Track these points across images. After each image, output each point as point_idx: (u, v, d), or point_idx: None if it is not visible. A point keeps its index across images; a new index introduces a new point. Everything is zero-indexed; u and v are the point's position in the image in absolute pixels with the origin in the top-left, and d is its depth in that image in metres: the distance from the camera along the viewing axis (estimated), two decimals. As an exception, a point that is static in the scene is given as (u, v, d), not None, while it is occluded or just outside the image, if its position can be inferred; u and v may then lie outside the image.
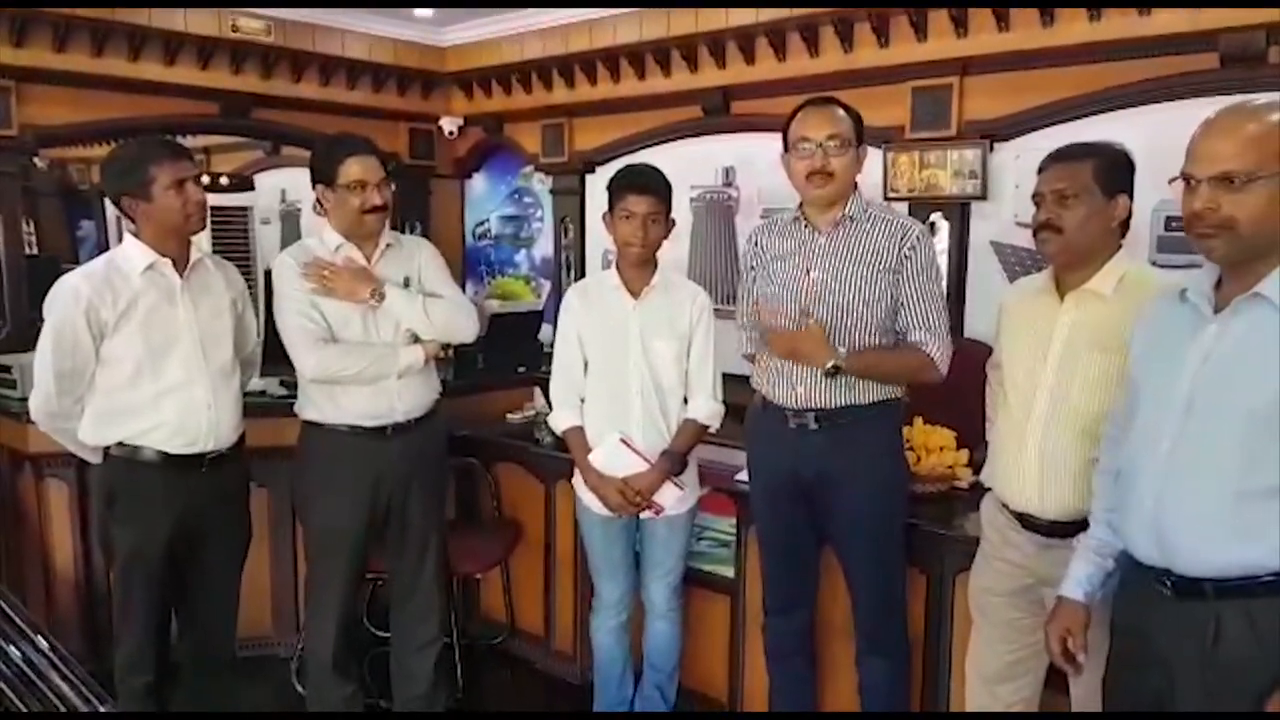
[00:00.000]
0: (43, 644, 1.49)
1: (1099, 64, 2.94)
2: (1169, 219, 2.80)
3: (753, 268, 2.40)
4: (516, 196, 5.00)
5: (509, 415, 3.59)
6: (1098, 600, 1.73)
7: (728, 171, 4.03)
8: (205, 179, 2.50)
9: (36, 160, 4.67)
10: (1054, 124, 3.06)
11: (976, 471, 2.41)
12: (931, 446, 2.59)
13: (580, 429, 2.54)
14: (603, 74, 4.06)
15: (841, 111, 2.22)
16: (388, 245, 2.56)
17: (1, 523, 3.21)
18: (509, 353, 3.83)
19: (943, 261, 3.14)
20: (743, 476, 2.58)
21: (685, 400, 2.53)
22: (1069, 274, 1.92)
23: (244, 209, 3.62)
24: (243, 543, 2.58)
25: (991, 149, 3.21)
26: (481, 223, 5.15)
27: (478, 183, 5.14)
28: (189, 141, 3.78)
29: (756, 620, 2.62)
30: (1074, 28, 2.89)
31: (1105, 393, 1.83)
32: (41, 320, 2.31)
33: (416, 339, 2.55)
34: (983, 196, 3.24)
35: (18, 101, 3.47)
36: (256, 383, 2.80)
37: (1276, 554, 1.41)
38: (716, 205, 4.07)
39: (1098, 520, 1.74)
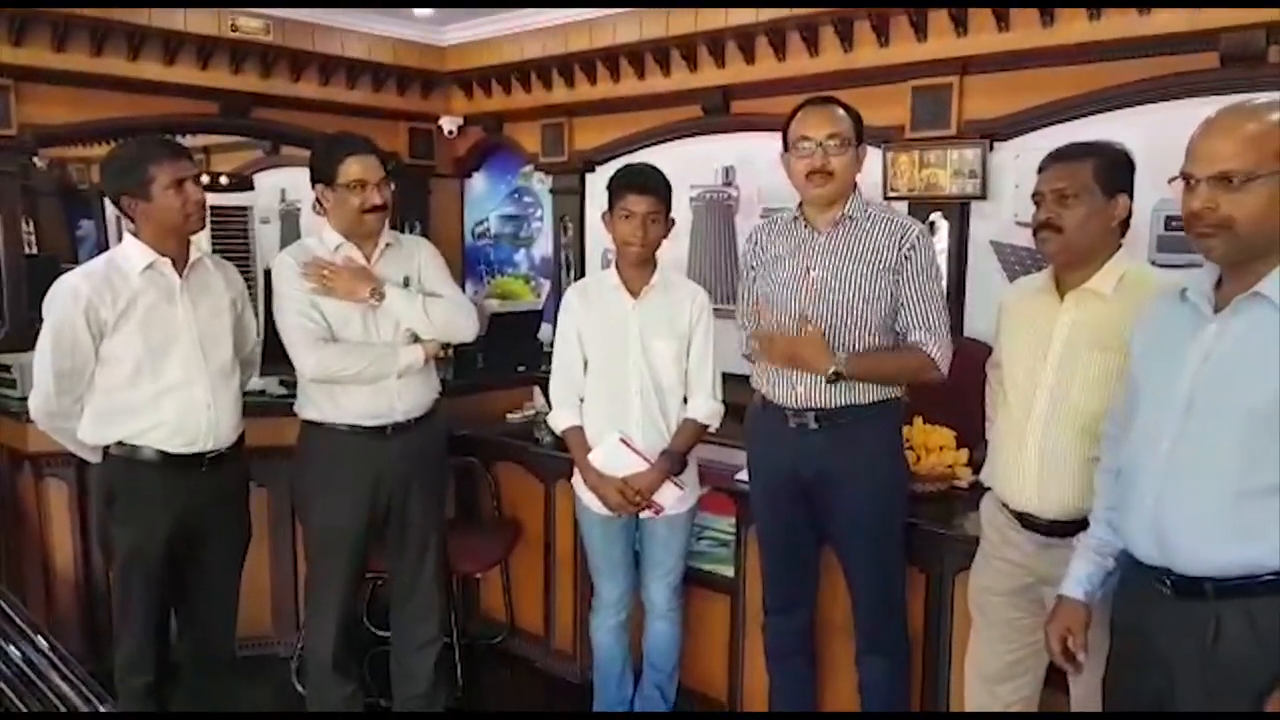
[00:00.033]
0: (42, 644, 1.49)
1: (1099, 63, 2.94)
2: (1169, 218, 2.80)
3: (753, 267, 2.40)
4: (516, 196, 4.99)
5: (509, 415, 3.59)
6: (1098, 599, 1.73)
7: (727, 171, 4.02)
8: (205, 178, 2.50)
9: (36, 160, 4.66)
10: (1054, 123, 3.05)
11: (976, 471, 2.41)
12: (931, 446, 2.59)
13: (580, 428, 2.54)
14: (602, 73, 4.05)
15: (841, 111, 2.22)
16: (387, 245, 2.56)
17: (1, 522, 3.21)
18: (509, 352, 3.83)
19: (942, 261, 3.13)
20: (742, 476, 2.58)
21: (685, 400, 2.53)
22: (1069, 273, 1.92)
23: (243, 208, 3.62)
24: (242, 542, 2.58)
25: (991, 148, 3.21)
26: (481, 222, 5.15)
27: (477, 182, 5.13)
28: (188, 141, 3.78)
29: (756, 620, 2.62)
30: (1074, 27, 2.89)
31: (1105, 392, 1.83)
32: (41, 320, 2.31)
33: (416, 338, 2.55)
34: (982, 196, 3.24)
35: (17, 101, 3.46)
36: (256, 382, 2.79)
37: (1276, 553, 1.41)
38: (716, 205, 4.07)
39: (1098, 519, 1.74)
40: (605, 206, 2.50)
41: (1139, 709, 1.60)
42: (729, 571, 2.83)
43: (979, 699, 2.12)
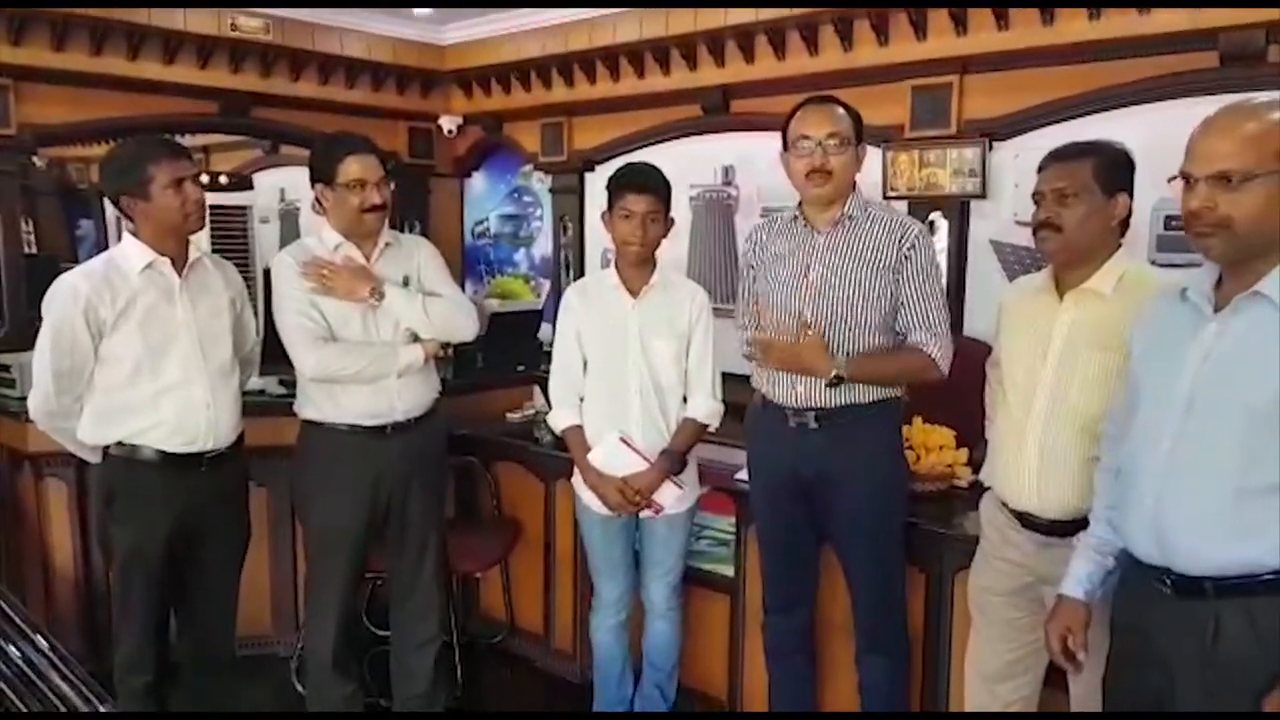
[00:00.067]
0: (42, 644, 1.49)
1: (1098, 63, 2.94)
2: (1168, 218, 2.80)
3: (752, 266, 2.40)
4: (516, 195, 4.99)
5: (508, 414, 3.59)
6: (1098, 599, 1.73)
7: (727, 170, 4.02)
8: (204, 178, 2.50)
9: (35, 159, 4.66)
10: (1053, 123, 3.06)
11: (976, 470, 2.41)
12: (931, 445, 2.59)
13: (579, 428, 2.53)
14: (602, 73, 4.05)
15: (841, 110, 2.22)
16: (387, 244, 2.56)
17: (1, 522, 3.21)
18: (508, 352, 3.82)
19: (942, 260, 3.14)
20: (742, 475, 2.58)
21: (684, 399, 2.53)
22: (1068, 273, 1.92)
23: (243, 208, 3.62)
24: (242, 542, 2.58)
25: (991, 148, 3.21)
26: (481, 222, 5.15)
27: (477, 182, 5.14)
28: (188, 140, 3.78)
29: (756, 619, 2.62)
30: (1074, 26, 2.89)
31: (1105, 391, 1.83)
32: (40, 319, 2.31)
33: (416, 338, 2.55)
34: (982, 195, 3.24)
35: (16, 100, 3.46)
36: (255, 382, 2.79)
37: (1276, 552, 1.41)
38: (716, 204, 4.07)
39: (1098, 518, 1.74)
40: (605, 206, 2.50)
41: (1139, 708, 1.60)
42: (729, 571, 2.83)
43: (979, 698, 2.12)
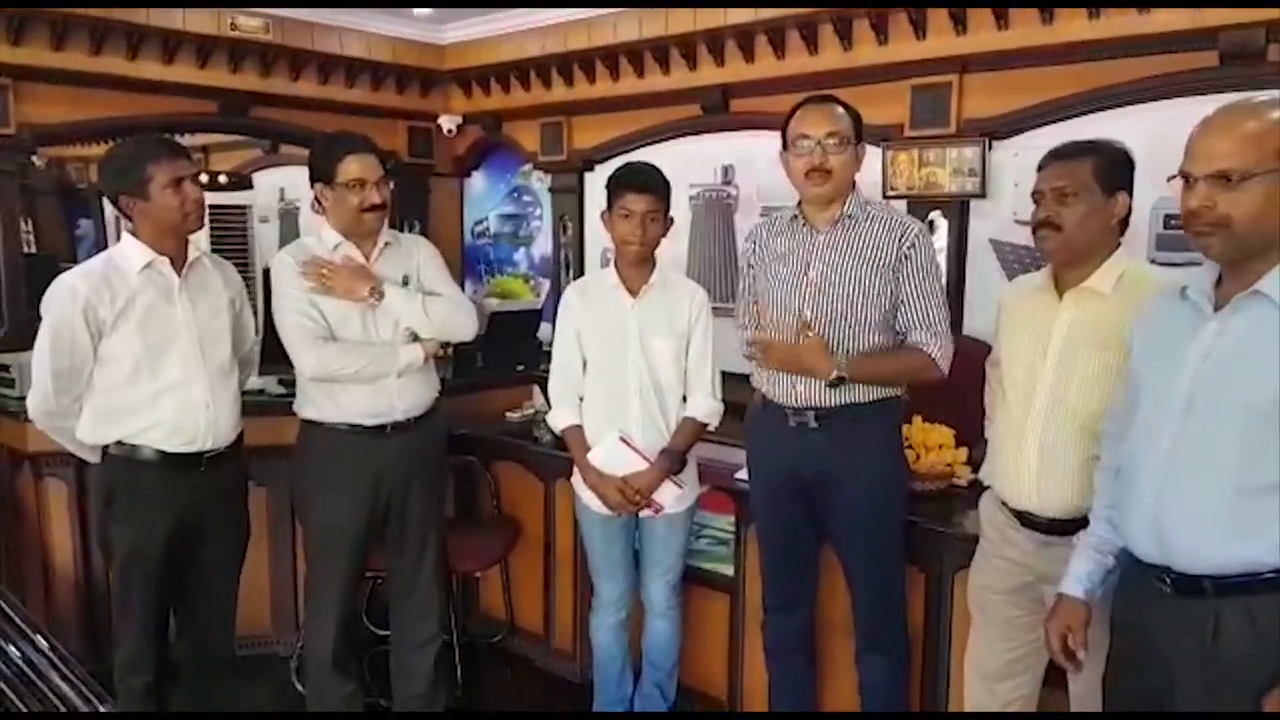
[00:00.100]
0: (42, 643, 1.49)
1: (1098, 62, 2.94)
2: (1168, 217, 2.80)
3: (752, 266, 2.40)
4: (515, 195, 4.99)
5: (508, 414, 3.59)
6: (1098, 597, 1.73)
7: (727, 170, 4.02)
8: (203, 177, 2.50)
9: (34, 159, 4.66)
10: (1053, 122, 3.06)
11: (975, 469, 2.42)
12: (930, 444, 2.59)
13: (579, 427, 2.54)
14: (601, 72, 4.05)
15: (840, 109, 2.22)
16: (386, 244, 2.56)
17: (1, 522, 3.21)
18: (508, 351, 3.82)
19: (942, 260, 3.13)
20: (742, 475, 2.58)
21: (684, 398, 2.53)
22: (1068, 272, 1.92)
23: (242, 207, 3.63)
24: (241, 541, 2.58)
25: (990, 147, 3.21)
26: (480, 221, 5.15)
27: (476, 181, 5.13)
28: (187, 140, 3.78)
29: (756, 618, 2.62)
30: (1073, 25, 2.89)
31: (1104, 390, 1.83)
32: (39, 319, 2.31)
33: (416, 337, 2.55)
34: (982, 194, 3.24)
35: (15, 100, 3.46)
36: (255, 381, 2.79)
37: (1276, 551, 1.41)
38: (715, 203, 4.07)
39: (1098, 517, 1.74)
40: (604, 205, 2.50)
41: (1139, 707, 1.60)
42: (728, 570, 2.83)
43: (978, 697, 2.12)
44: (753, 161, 3.83)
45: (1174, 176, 1.49)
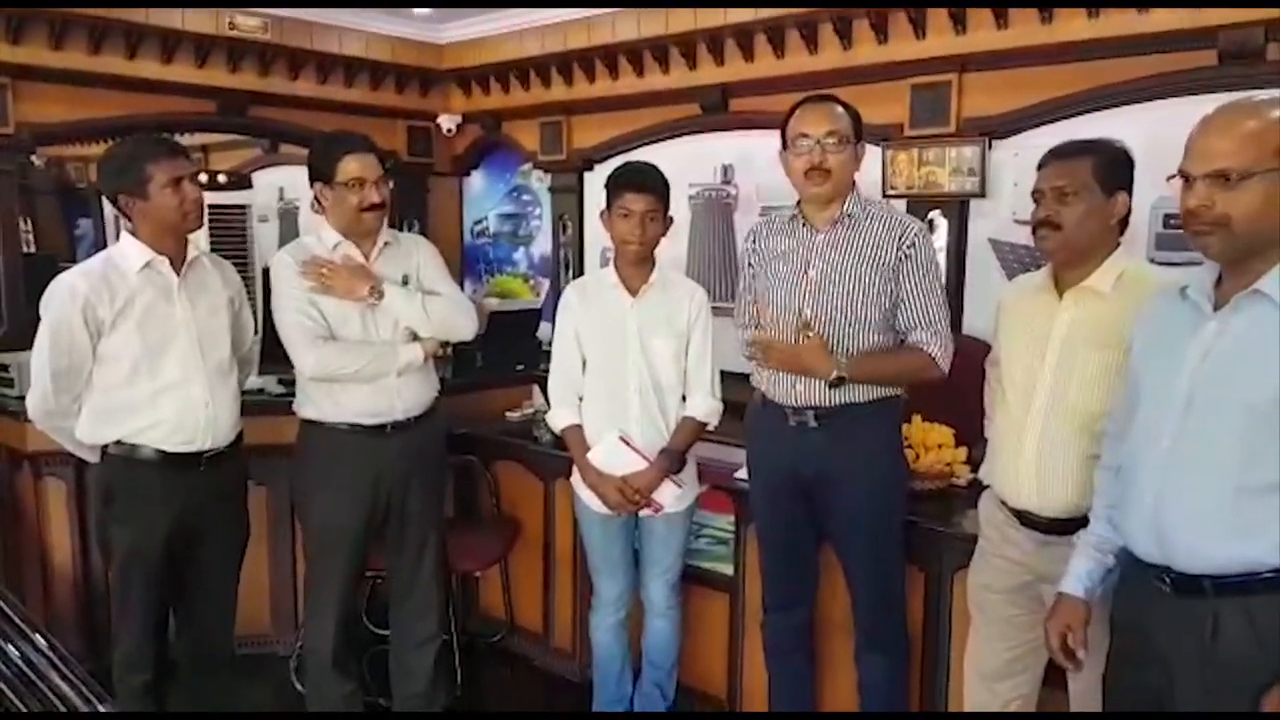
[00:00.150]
0: (41, 643, 1.49)
1: (1098, 61, 2.94)
2: (1167, 216, 2.80)
3: (751, 265, 2.40)
4: (515, 194, 4.99)
5: (508, 413, 3.59)
6: (1098, 597, 1.73)
7: (726, 169, 4.02)
8: (202, 177, 2.50)
9: (34, 158, 4.66)
10: (1053, 121, 3.06)
11: (975, 469, 2.41)
12: (930, 444, 2.59)
13: (579, 427, 2.53)
14: (601, 71, 4.05)
15: (840, 108, 2.21)
16: (386, 243, 2.56)
17: (0, 522, 3.21)
18: (508, 351, 3.82)
19: (941, 259, 3.13)
20: (741, 474, 2.59)
21: (684, 398, 2.53)
22: (1068, 271, 1.92)
23: (242, 207, 3.63)
24: (241, 541, 2.58)
25: (990, 146, 3.21)
26: (480, 220, 5.14)
27: (476, 180, 5.13)
28: (186, 139, 3.79)
29: (755, 617, 2.62)
30: (1073, 25, 2.89)
31: (1103, 390, 1.83)
32: (39, 318, 2.30)
33: (415, 337, 2.54)
34: (981, 194, 3.24)
35: (14, 99, 3.46)
36: (255, 381, 2.79)
37: (1276, 551, 1.41)
38: (715, 203, 4.07)
39: (1098, 516, 1.74)
40: (604, 205, 2.50)
41: (1138, 706, 1.60)
42: (728, 569, 2.83)
43: (978, 696, 2.12)
44: (752, 161, 3.83)
45: (1173, 176, 1.49)
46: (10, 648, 1.47)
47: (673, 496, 2.48)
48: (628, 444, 2.44)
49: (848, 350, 2.19)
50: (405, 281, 2.56)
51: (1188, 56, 2.78)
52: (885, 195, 3.31)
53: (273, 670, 3.17)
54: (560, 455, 2.82)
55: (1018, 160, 3.12)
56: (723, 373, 2.54)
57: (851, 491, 2.22)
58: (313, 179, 2.49)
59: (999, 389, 2.06)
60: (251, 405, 2.62)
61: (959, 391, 2.26)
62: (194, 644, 2.55)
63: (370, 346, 2.48)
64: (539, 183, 4.80)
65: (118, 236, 2.42)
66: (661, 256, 2.55)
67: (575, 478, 2.60)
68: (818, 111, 2.20)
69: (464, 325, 2.62)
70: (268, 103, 4.13)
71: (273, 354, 2.60)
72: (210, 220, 2.61)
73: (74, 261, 2.63)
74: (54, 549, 3.18)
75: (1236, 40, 2.65)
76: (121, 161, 2.29)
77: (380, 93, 4.39)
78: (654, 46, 3.80)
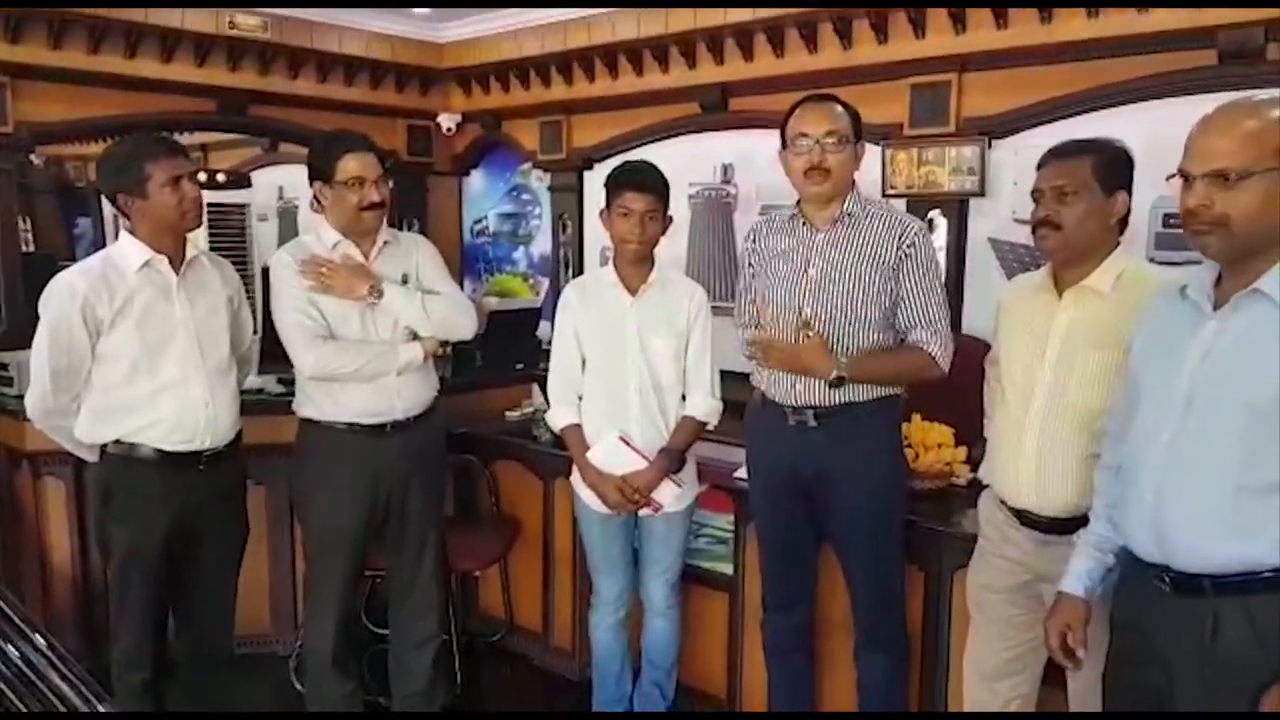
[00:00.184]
0: (40, 642, 1.49)
1: (1097, 60, 2.94)
2: (1167, 215, 2.80)
3: (751, 265, 2.40)
4: (514, 193, 4.99)
5: (507, 412, 3.59)
6: (1097, 596, 1.73)
7: (726, 168, 4.02)
8: (202, 176, 2.49)
9: (33, 157, 4.66)
10: (1052, 120, 3.06)
11: (975, 468, 2.41)
12: (930, 443, 2.59)
13: (578, 426, 2.53)
14: (601, 71, 4.05)
15: (839, 108, 2.21)
16: (385, 242, 2.56)
17: (-1, 521, 3.21)
18: (507, 350, 3.82)
19: (941, 258, 3.13)
20: (741, 473, 2.58)
21: (683, 397, 2.53)
22: (1067, 271, 1.92)
23: (241, 206, 3.63)
24: (240, 540, 2.57)
25: (990, 146, 3.21)
26: (479, 220, 5.15)
27: (476, 180, 5.13)
28: (186, 139, 3.79)
29: (755, 617, 2.62)
30: (1072, 24, 2.89)
31: (1103, 389, 1.83)
32: (38, 317, 2.30)
33: (415, 336, 2.54)
34: (981, 193, 3.24)
35: (13, 98, 3.46)
36: (254, 380, 2.79)
37: (1275, 550, 1.41)
38: (715, 202, 4.07)
39: (1098, 516, 1.74)
40: (603, 204, 2.50)
41: (1138, 706, 1.60)
42: (728, 569, 2.83)
43: (977, 696, 2.12)
44: (752, 160, 3.83)
45: (1173, 175, 1.49)
46: (10, 647, 1.47)
47: (672, 496, 2.48)
48: (627, 443, 2.44)
49: (848, 349, 2.19)
50: (405, 281, 2.56)
51: (1187, 56, 2.78)
52: (885, 195, 3.31)
53: (272, 670, 3.17)
54: (560, 455, 2.82)
55: (1017, 159, 3.13)
56: (722, 372, 2.54)
57: (851, 491, 2.22)
58: (312, 178, 2.48)
59: (998, 388, 2.06)
60: (251, 405, 2.62)
61: (959, 391, 2.26)
62: (193, 643, 2.55)
63: (370, 346, 2.47)
64: (539, 182, 4.80)
65: (117, 235, 2.42)
66: (661, 256, 2.55)
67: (575, 477, 2.60)
68: (817, 111, 2.20)
69: (464, 324, 2.62)
70: (267, 102, 4.13)
71: (272, 353, 2.59)
72: (209, 219, 2.61)
73: (73, 260, 2.63)
74: (53, 548, 3.18)
75: (1236, 40, 2.65)
76: (120, 160, 2.29)
77: (380, 92, 4.39)
78: (654, 46, 3.80)
